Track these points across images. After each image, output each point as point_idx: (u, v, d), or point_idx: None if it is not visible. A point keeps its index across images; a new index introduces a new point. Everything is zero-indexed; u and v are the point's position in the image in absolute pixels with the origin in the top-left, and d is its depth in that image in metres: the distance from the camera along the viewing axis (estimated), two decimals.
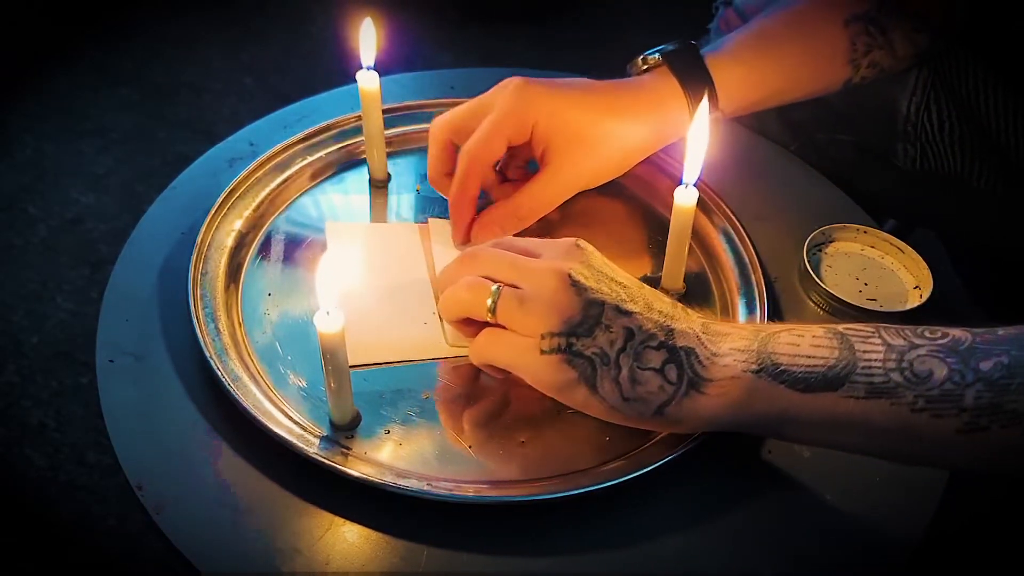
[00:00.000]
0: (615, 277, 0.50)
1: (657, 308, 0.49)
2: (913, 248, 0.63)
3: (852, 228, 0.64)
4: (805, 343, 0.45)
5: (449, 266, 0.55)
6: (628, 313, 0.48)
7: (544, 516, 0.49)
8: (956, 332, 0.44)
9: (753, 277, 0.61)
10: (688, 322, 0.48)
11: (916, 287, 0.62)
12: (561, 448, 0.52)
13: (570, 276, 0.49)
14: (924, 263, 0.62)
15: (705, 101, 0.57)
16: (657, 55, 0.63)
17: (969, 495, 0.58)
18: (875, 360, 0.43)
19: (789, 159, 0.73)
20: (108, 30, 1.88)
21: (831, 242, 0.64)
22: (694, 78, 0.62)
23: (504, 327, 0.50)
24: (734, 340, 0.47)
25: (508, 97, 0.59)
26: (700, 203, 0.62)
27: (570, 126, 0.60)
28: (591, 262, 0.50)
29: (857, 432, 0.44)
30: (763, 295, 0.60)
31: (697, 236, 0.65)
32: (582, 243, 0.52)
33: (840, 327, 0.46)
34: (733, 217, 0.64)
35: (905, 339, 0.44)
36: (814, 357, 0.45)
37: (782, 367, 0.45)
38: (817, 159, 0.75)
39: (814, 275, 0.60)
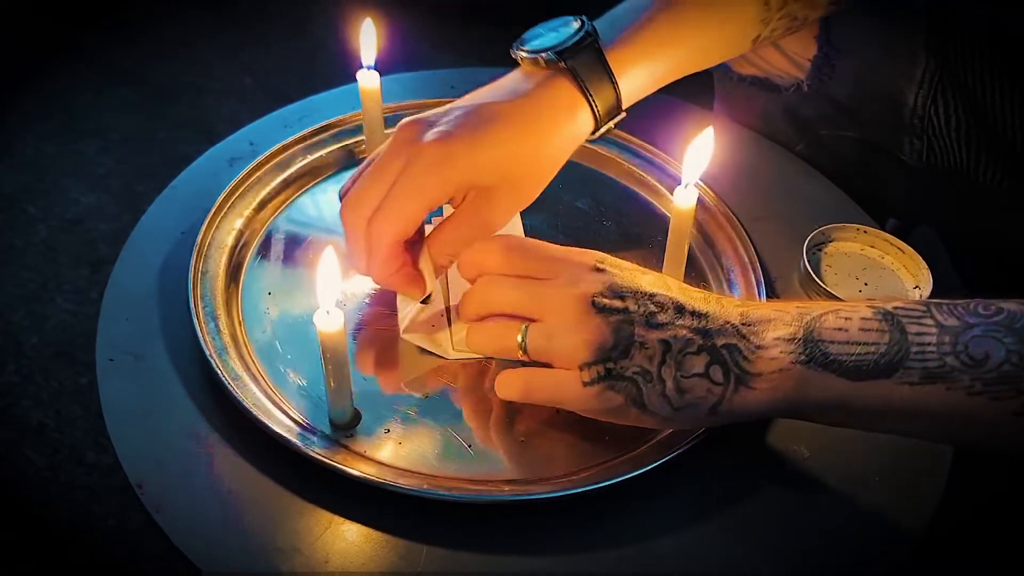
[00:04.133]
0: (639, 287, 0.48)
1: (690, 310, 0.47)
2: (913, 248, 0.63)
3: (852, 228, 0.64)
4: (853, 327, 0.44)
5: (468, 301, 0.52)
6: (660, 325, 0.47)
7: (544, 516, 0.49)
8: (1011, 306, 0.42)
9: (753, 277, 0.61)
10: (725, 315, 0.47)
11: (916, 287, 0.62)
12: (561, 448, 0.52)
13: (592, 302, 0.47)
14: (924, 263, 0.62)
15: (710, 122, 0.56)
16: (552, 54, 0.55)
17: (970, 493, 0.58)
18: (929, 344, 0.42)
19: (789, 159, 0.74)
20: (108, 30, 1.88)
21: (831, 242, 0.64)
22: (597, 83, 0.55)
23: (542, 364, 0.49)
24: (777, 328, 0.46)
25: (427, 169, 0.51)
26: (700, 203, 0.62)
27: (492, 173, 0.53)
28: (611, 280, 0.48)
29: (912, 417, 0.44)
30: (763, 296, 0.60)
31: (697, 236, 0.65)
32: (600, 261, 0.50)
33: (889, 306, 0.45)
34: (733, 217, 0.64)
35: (959, 318, 0.43)
36: (864, 343, 0.44)
37: (831, 356, 0.44)
38: (822, 156, 0.75)
39: (814, 275, 0.60)
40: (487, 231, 0.55)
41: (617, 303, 0.47)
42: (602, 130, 0.58)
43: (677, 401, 0.46)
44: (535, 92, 0.55)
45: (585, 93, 0.56)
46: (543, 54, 0.55)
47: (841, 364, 0.44)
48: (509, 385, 0.51)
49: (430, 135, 0.52)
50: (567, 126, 0.56)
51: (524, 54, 0.56)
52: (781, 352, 0.45)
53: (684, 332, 0.46)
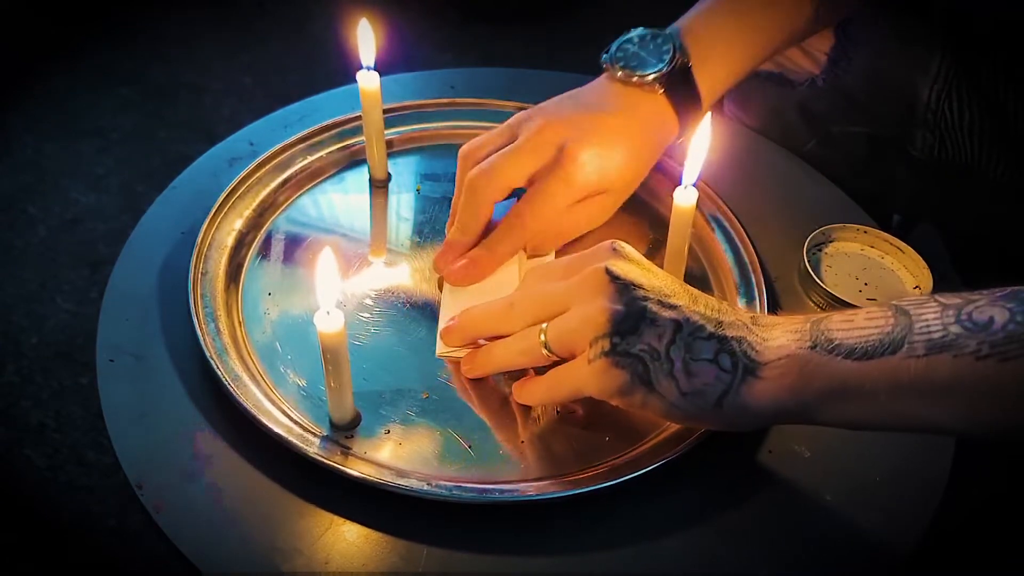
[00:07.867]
0: (656, 273, 0.50)
1: (703, 302, 0.48)
2: (913, 248, 0.63)
3: (852, 228, 0.64)
4: (859, 318, 0.45)
5: (493, 321, 0.54)
6: (673, 306, 0.47)
7: (544, 516, 0.49)
8: (1014, 287, 0.42)
9: (753, 277, 0.61)
10: (736, 314, 0.48)
11: (916, 287, 0.62)
12: (561, 448, 0.52)
13: (608, 270, 0.48)
14: (924, 263, 0.62)
15: (709, 115, 0.56)
16: (652, 78, 0.62)
17: (970, 493, 0.58)
18: (932, 318, 0.42)
19: (789, 159, 0.73)
20: (108, 30, 1.88)
21: (831, 242, 0.64)
22: (687, 102, 0.63)
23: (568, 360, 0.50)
24: (785, 325, 0.47)
25: (534, 136, 0.59)
26: (700, 203, 0.62)
27: (599, 172, 0.60)
28: (630, 257, 0.50)
29: (922, 396, 0.42)
30: (763, 295, 0.60)
31: (697, 236, 0.65)
32: (619, 244, 0.51)
33: (893, 301, 0.45)
34: (733, 217, 0.64)
35: (962, 298, 0.43)
36: (868, 328, 0.44)
37: (836, 341, 0.44)
38: (831, 153, 0.75)
39: (814, 275, 0.60)
40: (592, 225, 0.63)
41: (633, 276, 0.48)
42: (684, 138, 0.64)
43: (685, 384, 0.46)
44: (633, 107, 0.62)
45: (678, 112, 0.63)
46: (642, 78, 0.62)
47: (846, 347, 0.44)
48: (532, 392, 0.52)
49: (544, 120, 0.59)
50: (661, 136, 0.64)
51: (620, 73, 0.62)
52: (787, 340, 0.46)
53: (696, 318, 0.47)
